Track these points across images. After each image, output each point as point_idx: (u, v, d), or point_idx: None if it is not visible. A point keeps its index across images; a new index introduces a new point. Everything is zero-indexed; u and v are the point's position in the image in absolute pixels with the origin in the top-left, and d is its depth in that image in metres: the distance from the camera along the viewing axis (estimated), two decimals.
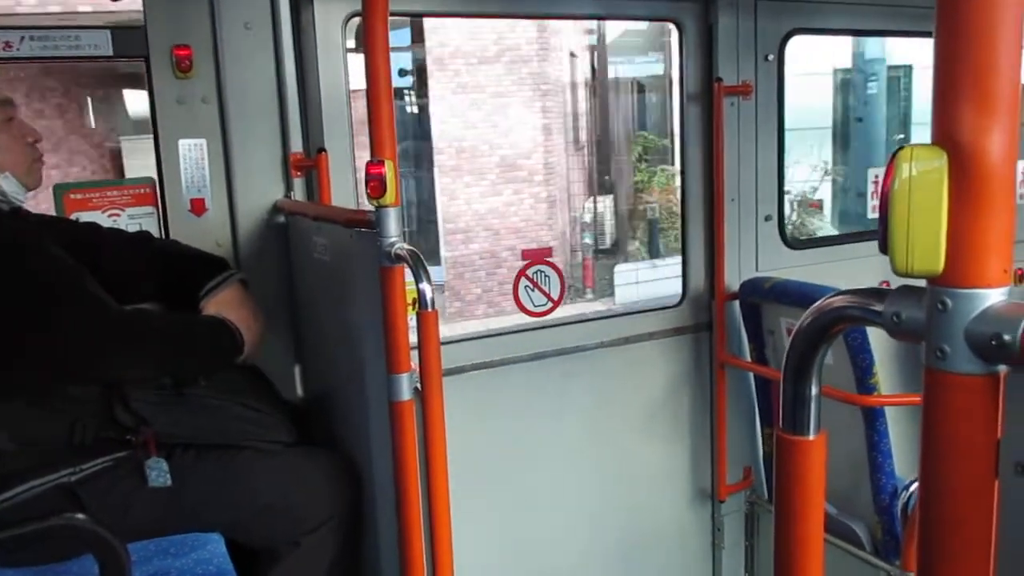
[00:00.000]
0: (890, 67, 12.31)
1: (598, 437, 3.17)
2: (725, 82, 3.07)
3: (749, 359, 3.23)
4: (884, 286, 0.83)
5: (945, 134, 0.71)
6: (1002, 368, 0.72)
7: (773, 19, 3.16)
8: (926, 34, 0.73)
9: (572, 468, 3.14)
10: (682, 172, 3.27)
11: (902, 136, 13.04)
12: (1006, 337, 0.69)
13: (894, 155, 0.73)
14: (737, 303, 3.21)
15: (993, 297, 0.71)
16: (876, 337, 2.64)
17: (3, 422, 1.83)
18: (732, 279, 3.21)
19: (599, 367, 3.12)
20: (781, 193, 3.39)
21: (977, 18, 0.69)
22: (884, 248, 0.74)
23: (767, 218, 3.32)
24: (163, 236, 2.47)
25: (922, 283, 0.76)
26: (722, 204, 3.13)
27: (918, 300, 0.76)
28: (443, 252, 12.65)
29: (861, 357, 2.64)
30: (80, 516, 1.58)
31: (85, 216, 2.39)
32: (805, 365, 0.90)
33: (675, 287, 3.34)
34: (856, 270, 2.84)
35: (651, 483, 3.32)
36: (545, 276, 2.99)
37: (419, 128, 13.12)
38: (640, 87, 16.37)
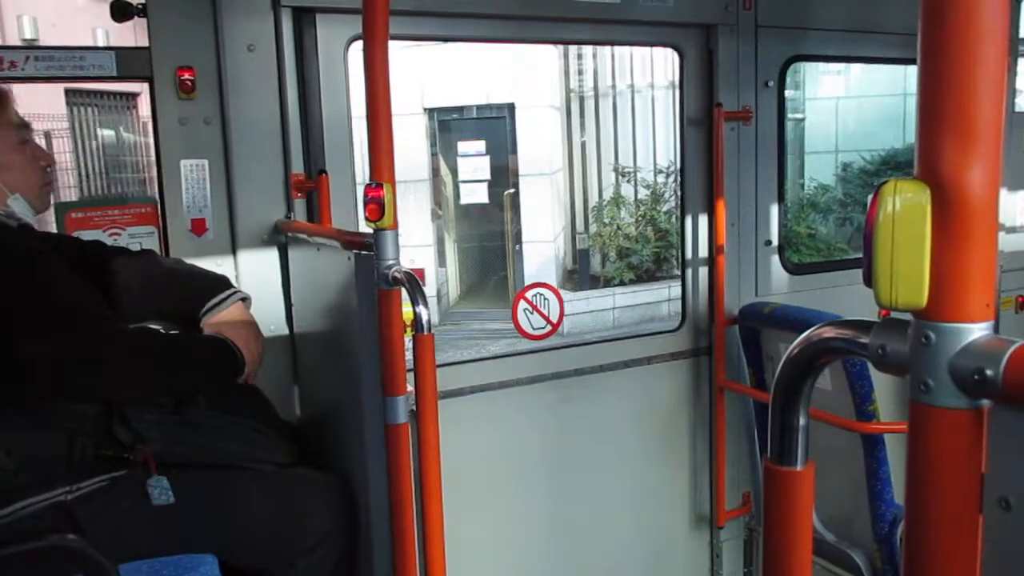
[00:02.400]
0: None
1: (596, 461, 3.16)
2: (725, 108, 3.09)
3: (749, 384, 3.23)
4: (883, 315, 0.83)
5: (928, 168, 0.71)
6: (985, 403, 0.72)
7: (773, 46, 3.19)
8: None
9: (569, 492, 3.12)
10: (682, 196, 3.28)
11: None
12: (988, 372, 0.69)
13: (878, 189, 0.73)
14: (737, 328, 3.21)
15: (976, 332, 0.71)
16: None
17: (2, 438, 1.83)
18: (732, 304, 3.21)
19: (597, 391, 3.11)
20: (782, 218, 3.39)
21: (959, 54, 0.69)
22: (868, 281, 0.75)
23: (767, 243, 3.32)
24: (164, 255, 2.48)
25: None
26: (722, 229, 3.13)
27: (903, 333, 0.76)
28: None
29: (860, 384, 2.63)
30: (71, 536, 1.58)
31: (86, 235, 2.40)
32: (793, 395, 0.90)
33: None
34: (855, 296, 2.84)
35: (649, 508, 3.30)
36: (544, 299, 2.99)
37: None
38: None
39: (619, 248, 11.42)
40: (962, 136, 0.70)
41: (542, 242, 11.37)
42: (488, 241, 12.33)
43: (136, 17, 2.35)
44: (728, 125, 3.12)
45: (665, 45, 3.23)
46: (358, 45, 2.51)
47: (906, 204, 0.72)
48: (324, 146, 2.57)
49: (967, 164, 0.69)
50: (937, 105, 0.71)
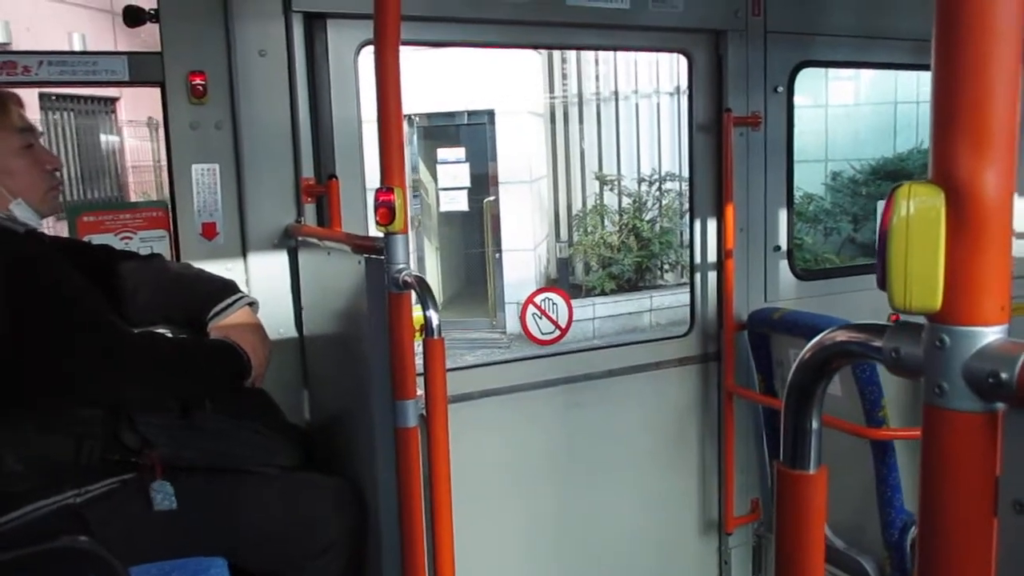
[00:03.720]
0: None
1: (605, 466, 3.15)
2: (734, 113, 3.09)
3: (758, 390, 3.22)
4: (893, 320, 0.83)
5: (942, 172, 0.71)
6: (1000, 406, 0.72)
7: (782, 51, 3.18)
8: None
9: (578, 497, 3.12)
10: (691, 202, 3.28)
11: None
12: (1003, 375, 0.69)
13: (893, 192, 0.73)
14: (746, 333, 3.20)
15: (990, 335, 0.71)
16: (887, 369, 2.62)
17: (10, 442, 1.84)
18: (741, 309, 3.21)
19: (606, 396, 3.11)
20: (791, 223, 3.39)
21: (973, 56, 0.69)
22: (882, 284, 0.75)
23: (776, 248, 3.32)
24: (175, 259, 2.49)
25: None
26: (731, 234, 3.13)
27: (917, 337, 0.76)
28: None
29: (870, 390, 2.63)
30: (83, 538, 1.59)
31: (98, 239, 2.42)
32: (805, 399, 0.90)
33: None
34: (865, 302, 2.83)
35: (658, 514, 3.29)
36: (553, 304, 2.99)
37: None
38: None
39: (601, 257, 11.35)
40: (977, 139, 0.70)
41: (523, 251, 11.15)
42: (468, 249, 12.12)
43: (148, 22, 2.37)
44: (737, 130, 3.12)
45: (674, 51, 3.23)
46: (369, 50, 2.52)
47: (920, 207, 0.71)
48: (335, 150, 2.58)
49: (982, 167, 0.69)
50: (951, 108, 0.71)
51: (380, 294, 1.88)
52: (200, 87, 2.41)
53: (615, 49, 9.79)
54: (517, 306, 10.92)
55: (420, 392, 1.90)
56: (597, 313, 10.72)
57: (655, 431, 3.25)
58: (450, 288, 12.16)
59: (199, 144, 2.46)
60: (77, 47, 9.44)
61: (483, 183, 11.09)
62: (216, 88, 2.44)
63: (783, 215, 3.33)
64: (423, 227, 11.41)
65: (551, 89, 12.09)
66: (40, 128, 2.14)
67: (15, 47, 8.61)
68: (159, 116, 2.50)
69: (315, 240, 2.42)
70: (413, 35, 2.37)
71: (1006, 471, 0.73)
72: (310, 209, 2.59)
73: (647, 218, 11.58)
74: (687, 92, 3.25)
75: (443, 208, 11.37)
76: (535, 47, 8.45)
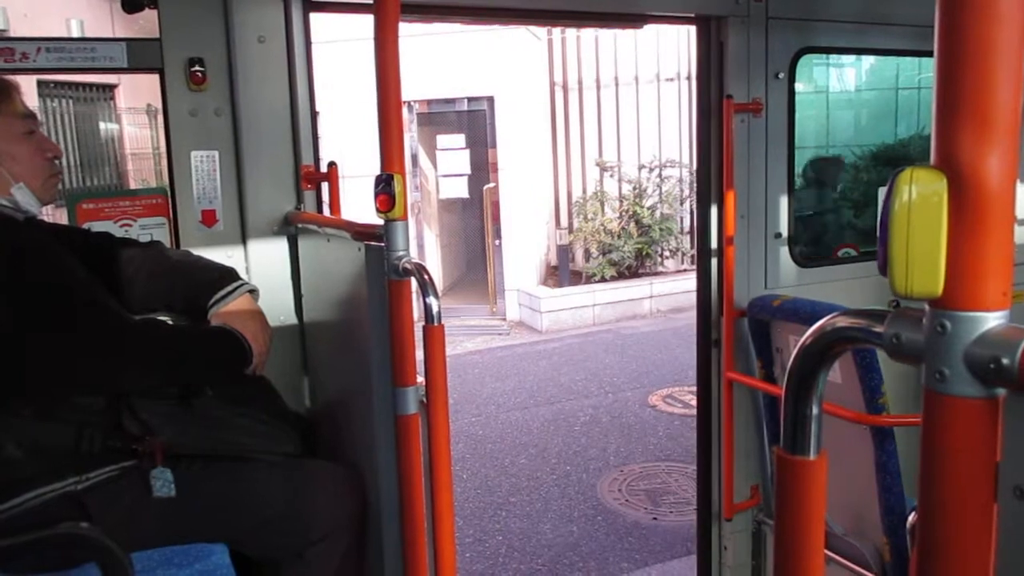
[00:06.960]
0: None
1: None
2: (735, 99, 3.08)
3: (757, 376, 3.22)
4: (893, 306, 0.83)
5: (944, 157, 0.71)
6: (1001, 391, 0.72)
7: (784, 37, 3.17)
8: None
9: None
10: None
11: None
12: (1004, 360, 0.69)
13: (894, 177, 0.73)
14: (746, 320, 3.20)
15: (992, 320, 0.71)
16: (888, 356, 2.62)
17: (11, 430, 1.84)
18: (741, 296, 3.21)
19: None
20: (791, 211, 3.38)
21: (976, 41, 0.69)
22: (884, 270, 0.74)
23: (777, 235, 3.31)
24: (174, 246, 2.49)
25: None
26: (732, 221, 3.13)
27: (918, 322, 0.76)
28: None
29: (870, 376, 2.62)
30: (84, 525, 1.59)
31: (97, 226, 2.41)
32: (806, 385, 0.90)
33: None
34: (866, 289, 2.84)
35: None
36: None
37: None
38: None
39: (601, 244, 11.34)
40: (979, 125, 0.69)
41: (523, 237, 11.14)
42: (468, 236, 12.10)
43: (147, 8, 2.36)
44: (738, 117, 3.11)
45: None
46: None
47: (922, 192, 0.71)
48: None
49: (984, 153, 0.69)
50: (954, 93, 0.70)
51: (380, 281, 1.88)
52: (199, 74, 2.40)
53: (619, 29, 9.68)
54: (517, 293, 10.92)
55: (420, 379, 1.90)
56: (596, 300, 10.73)
57: None
58: (450, 275, 12.14)
59: (198, 131, 2.46)
60: (75, 34, 9.38)
61: (483, 170, 11.06)
62: (215, 75, 2.43)
63: (784, 202, 3.32)
64: (423, 214, 11.39)
65: (551, 75, 12.04)
66: (39, 116, 2.13)
67: (12, 34, 8.57)
68: (158, 103, 2.48)
69: (315, 227, 2.41)
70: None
71: (1007, 457, 0.73)
72: (310, 196, 2.58)
73: (647, 204, 11.57)
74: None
75: (443, 195, 11.36)
76: (532, 22, 8.38)
